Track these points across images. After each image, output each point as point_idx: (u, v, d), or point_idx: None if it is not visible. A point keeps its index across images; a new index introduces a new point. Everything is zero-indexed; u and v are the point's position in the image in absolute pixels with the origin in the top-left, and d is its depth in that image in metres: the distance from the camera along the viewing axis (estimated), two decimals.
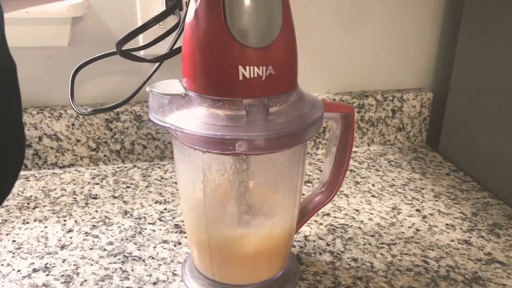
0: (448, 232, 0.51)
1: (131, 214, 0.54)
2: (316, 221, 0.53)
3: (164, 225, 0.52)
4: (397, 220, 0.53)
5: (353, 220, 0.53)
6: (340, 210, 0.55)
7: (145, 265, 0.45)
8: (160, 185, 0.60)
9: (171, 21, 0.61)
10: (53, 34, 0.59)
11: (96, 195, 0.58)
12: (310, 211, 0.45)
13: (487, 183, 0.61)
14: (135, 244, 0.48)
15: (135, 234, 0.50)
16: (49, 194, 0.58)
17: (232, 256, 0.40)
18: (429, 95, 0.72)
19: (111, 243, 0.48)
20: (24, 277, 0.43)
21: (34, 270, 0.44)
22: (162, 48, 0.42)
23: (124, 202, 0.56)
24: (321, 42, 0.68)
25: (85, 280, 0.43)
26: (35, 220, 0.52)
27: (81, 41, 0.61)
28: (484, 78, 0.61)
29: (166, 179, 0.62)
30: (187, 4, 0.35)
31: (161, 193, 0.58)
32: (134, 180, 0.62)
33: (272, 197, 0.40)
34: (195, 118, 0.33)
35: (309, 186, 0.61)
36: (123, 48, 0.34)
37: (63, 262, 0.46)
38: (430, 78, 0.74)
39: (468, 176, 0.64)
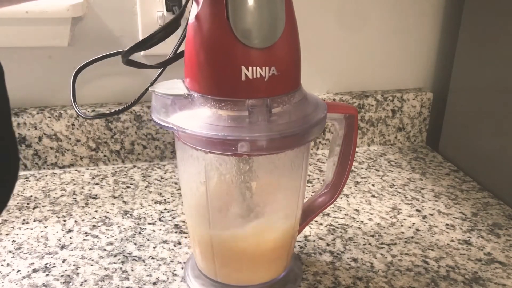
0: (448, 232, 0.51)
1: (131, 214, 0.54)
2: (316, 221, 0.53)
3: (164, 225, 0.52)
4: (397, 220, 0.53)
5: (353, 220, 0.53)
6: (340, 210, 0.55)
7: (145, 265, 0.45)
8: (160, 185, 0.60)
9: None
10: (53, 34, 0.59)
11: (96, 195, 0.58)
12: (313, 212, 0.45)
13: (487, 183, 0.61)
14: (135, 244, 0.48)
15: (135, 234, 0.50)
16: (49, 194, 0.58)
17: (234, 256, 0.40)
18: (429, 95, 0.72)
19: (111, 243, 0.48)
20: (24, 277, 0.43)
21: (34, 270, 0.44)
22: (162, 47, 0.42)
23: (124, 202, 0.56)
24: (321, 42, 0.68)
25: (85, 280, 0.43)
26: (35, 220, 0.52)
27: (81, 41, 0.61)
28: (484, 78, 0.61)
29: (166, 179, 0.62)
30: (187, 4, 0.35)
31: (161, 193, 0.58)
32: (134, 180, 0.62)
33: (275, 198, 0.40)
34: (197, 118, 0.33)
35: (309, 186, 0.61)
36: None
37: (63, 262, 0.46)
38: (430, 78, 0.74)
39: (468, 176, 0.64)
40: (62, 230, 0.51)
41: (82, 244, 0.48)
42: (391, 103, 0.71)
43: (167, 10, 0.59)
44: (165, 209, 0.55)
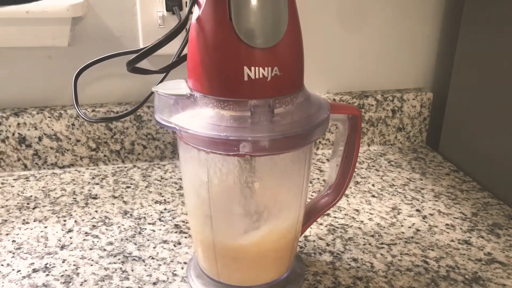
0: (448, 232, 0.51)
1: (131, 214, 0.54)
2: (316, 221, 0.53)
3: (164, 225, 0.52)
4: (397, 220, 0.53)
5: (353, 220, 0.53)
6: (340, 210, 0.55)
7: (145, 265, 0.45)
8: (160, 185, 0.60)
9: (172, 22, 0.61)
10: (53, 34, 0.59)
11: (96, 195, 0.58)
12: (316, 213, 0.45)
13: (487, 183, 0.61)
14: (135, 244, 0.48)
15: (135, 234, 0.50)
16: (49, 194, 0.58)
17: (236, 257, 0.40)
18: (429, 95, 0.72)
19: (111, 243, 0.48)
20: (24, 277, 0.43)
21: (34, 270, 0.44)
22: (165, 48, 0.42)
23: (124, 202, 0.56)
24: (321, 42, 0.68)
25: (85, 280, 0.43)
26: (35, 220, 0.52)
27: (81, 41, 0.61)
28: (484, 78, 0.61)
29: (166, 179, 0.62)
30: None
31: (161, 193, 0.58)
32: (134, 180, 0.62)
33: (277, 199, 0.40)
34: (200, 118, 0.33)
35: (309, 186, 0.61)
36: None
37: (63, 262, 0.46)
38: (430, 78, 0.74)
39: (468, 176, 0.64)
40: (62, 230, 0.51)
41: (82, 244, 0.48)
42: (391, 103, 0.71)
43: (167, 10, 0.59)
44: (165, 209, 0.55)
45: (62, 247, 0.48)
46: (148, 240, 0.49)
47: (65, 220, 0.52)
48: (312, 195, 0.58)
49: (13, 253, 0.47)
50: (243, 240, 0.39)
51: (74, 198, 0.57)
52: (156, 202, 0.56)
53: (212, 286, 0.41)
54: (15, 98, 0.63)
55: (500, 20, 0.57)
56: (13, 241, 0.49)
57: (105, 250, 0.47)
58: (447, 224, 0.53)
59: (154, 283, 0.43)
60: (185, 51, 0.38)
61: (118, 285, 0.42)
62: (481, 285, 0.43)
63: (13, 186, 0.60)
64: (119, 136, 0.64)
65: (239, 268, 0.41)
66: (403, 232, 0.51)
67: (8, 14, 0.55)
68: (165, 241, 0.49)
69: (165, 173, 0.64)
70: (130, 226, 0.51)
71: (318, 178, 0.63)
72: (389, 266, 0.45)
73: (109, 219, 0.53)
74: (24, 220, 0.52)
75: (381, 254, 0.47)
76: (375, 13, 0.68)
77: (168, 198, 0.57)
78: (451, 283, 0.43)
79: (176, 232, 0.50)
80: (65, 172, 0.64)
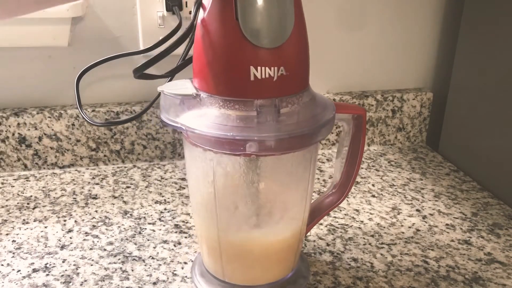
0: (448, 232, 0.51)
1: (131, 214, 0.54)
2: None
3: (164, 225, 0.52)
4: (397, 220, 0.53)
5: (353, 220, 0.53)
6: (340, 210, 0.55)
7: (145, 265, 0.45)
8: (160, 185, 0.60)
9: (172, 22, 0.61)
10: (53, 34, 0.59)
11: (96, 195, 0.58)
12: (320, 212, 0.45)
13: (487, 183, 0.61)
14: (135, 244, 0.48)
15: (135, 234, 0.50)
16: (49, 194, 0.58)
17: (241, 256, 0.40)
18: (429, 95, 0.72)
19: (111, 243, 0.48)
20: (24, 277, 0.43)
21: (34, 270, 0.44)
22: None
23: (124, 202, 0.56)
24: (321, 42, 0.68)
25: (85, 280, 0.43)
26: (35, 220, 0.52)
27: (81, 41, 0.61)
28: (484, 78, 0.61)
29: (166, 179, 0.62)
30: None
31: (161, 193, 0.58)
32: (134, 180, 0.62)
33: (283, 198, 0.40)
34: (206, 118, 0.33)
35: None
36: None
37: (63, 262, 0.46)
38: (430, 78, 0.74)
39: (468, 176, 0.64)
40: (62, 230, 0.51)
41: (82, 244, 0.48)
42: (391, 103, 0.71)
43: (167, 10, 0.59)
44: (165, 209, 0.55)
45: (62, 247, 0.48)
46: (148, 240, 0.49)
47: (65, 220, 0.52)
48: (312, 195, 0.58)
49: (13, 253, 0.47)
50: (248, 239, 0.39)
51: (74, 198, 0.57)
52: (156, 202, 0.56)
53: (217, 285, 0.41)
54: (15, 98, 0.63)
55: (500, 20, 0.57)
56: (13, 241, 0.49)
57: (105, 250, 0.47)
58: (447, 224, 0.53)
59: (154, 283, 0.43)
60: (189, 54, 0.38)
61: (118, 285, 0.42)
62: (481, 285, 0.43)
63: (13, 186, 0.60)
64: (119, 136, 0.64)
65: (243, 267, 0.41)
66: (403, 232, 0.51)
67: None
68: (165, 241, 0.49)
69: (165, 173, 0.64)
70: (130, 226, 0.51)
71: (318, 178, 0.63)
72: (389, 266, 0.45)
73: (109, 219, 0.53)
74: (24, 220, 0.52)
75: (381, 254, 0.47)
76: (375, 13, 0.68)
77: (168, 198, 0.57)
78: (451, 283, 0.43)
79: (176, 232, 0.50)
80: (65, 172, 0.64)
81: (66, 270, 0.44)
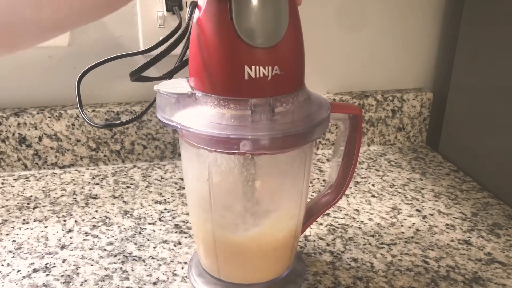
0: (448, 232, 0.51)
1: (131, 214, 0.54)
2: (316, 221, 0.53)
3: (164, 225, 0.52)
4: (397, 220, 0.53)
5: (353, 220, 0.53)
6: (340, 210, 0.55)
7: (145, 265, 0.45)
8: (160, 185, 0.60)
9: (172, 22, 0.61)
10: None
11: (96, 195, 0.58)
12: (316, 212, 0.45)
13: (487, 183, 0.61)
14: (135, 244, 0.48)
15: (135, 234, 0.50)
16: (49, 194, 0.58)
17: (237, 255, 0.40)
18: (429, 95, 0.72)
19: (111, 243, 0.48)
20: (24, 277, 0.43)
21: (34, 270, 0.44)
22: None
23: (124, 202, 0.56)
24: (321, 42, 0.68)
25: (85, 280, 0.43)
26: (35, 220, 0.52)
27: (81, 41, 0.61)
28: (484, 78, 0.61)
29: (166, 179, 0.62)
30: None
31: (161, 193, 0.58)
32: (134, 180, 0.62)
33: (278, 198, 0.40)
34: (201, 117, 0.34)
35: (309, 186, 0.60)
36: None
37: (63, 262, 0.46)
38: (430, 78, 0.74)
39: (468, 176, 0.64)
40: (62, 230, 0.51)
41: (82, 244, 0.48)
42: (391, 103, 0.71)
43: (167, 10, 0.59)
44: (165, 209, 0.55)
45: (62, 247, 0.48)
46: (148, 240, 0.49)
47: (65, 220, 0.52)
48: (312, 195, 0.58)
49: (13, 253, 0.47)
50: (243, 238, 0.39)
51: (74, 198, 0.57)
52: (156, 202, 0.56)
53: (213, 284, 0.41)
54: (15, 98, 0.63)
55: (500, 20, 0.57)
56: (13, 241, 0.49)
57: (105, 250, 0.47)
58: (447, 224, 0.53)
59: (154, 283, 0.43)
60: (186, 55, 0.38)
61: (118, 285, 0.42)
62: (481, 285, 0.43)
63: (13, 186, 0.60)
64: (119, 136, 0.64)
65: (239, 265, 0.41)
66: (403, 232, 0.51)
67: None
68: (165, 241, 0.49)
69: (165, 173, 0.64)
70: (130, 226, 0.51)
71: (318, 178, 0.63)
72: (389, 266, 0.46)
73: (109, 219, 0.53)
74: (24, 220, 0.52)
75: (381, 254, 0.47)
76: (375, 13, 0.68)
77: (168, 198, 0.57)
78: (451, 283, 0.43)
79: (176, 232, 0.50)
80: (65, 172, 0.64)
81: (66, 270, 0.44)
